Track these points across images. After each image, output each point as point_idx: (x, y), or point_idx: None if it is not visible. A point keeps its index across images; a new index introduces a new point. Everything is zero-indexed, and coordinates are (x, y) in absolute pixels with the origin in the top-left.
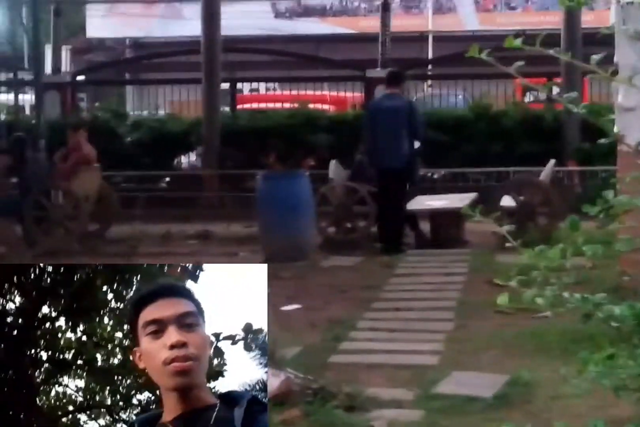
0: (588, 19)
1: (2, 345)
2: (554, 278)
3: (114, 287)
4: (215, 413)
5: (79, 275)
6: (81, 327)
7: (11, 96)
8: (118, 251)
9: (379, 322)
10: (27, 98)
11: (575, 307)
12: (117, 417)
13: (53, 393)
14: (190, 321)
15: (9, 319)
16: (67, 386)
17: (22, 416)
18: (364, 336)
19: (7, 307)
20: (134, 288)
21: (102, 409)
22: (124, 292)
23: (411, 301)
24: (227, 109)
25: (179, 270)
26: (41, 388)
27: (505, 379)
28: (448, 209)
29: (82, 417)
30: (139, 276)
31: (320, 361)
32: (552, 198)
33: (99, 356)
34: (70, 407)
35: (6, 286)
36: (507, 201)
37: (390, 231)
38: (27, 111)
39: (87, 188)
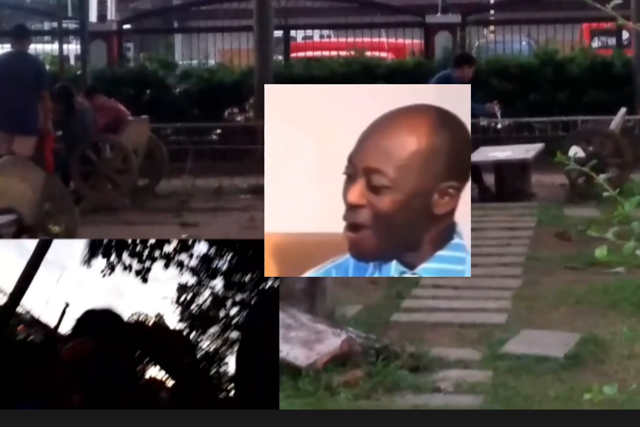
0: None
1: None
2: None
3: None
4: None
5: None
6: None
7: (55, 46)
8: (168, 206)
9: (442, 279)
10: (72, 48)
11: None
12: None
13: None
14: None
15: None
16: None
17: None
18: (428, 293)
19: None
20: None
21: None
22: None
23: (476, 257)
24: (280, 57)
25: None
26: None
27: (576, 338)
28: (513, 160)
29: None
30: None
31: (383, 319)
32: (623, 148)
33: None
34: None
35: None
36: (575, 152)
37: None
38: (72, 61)
39: (135, 141)
